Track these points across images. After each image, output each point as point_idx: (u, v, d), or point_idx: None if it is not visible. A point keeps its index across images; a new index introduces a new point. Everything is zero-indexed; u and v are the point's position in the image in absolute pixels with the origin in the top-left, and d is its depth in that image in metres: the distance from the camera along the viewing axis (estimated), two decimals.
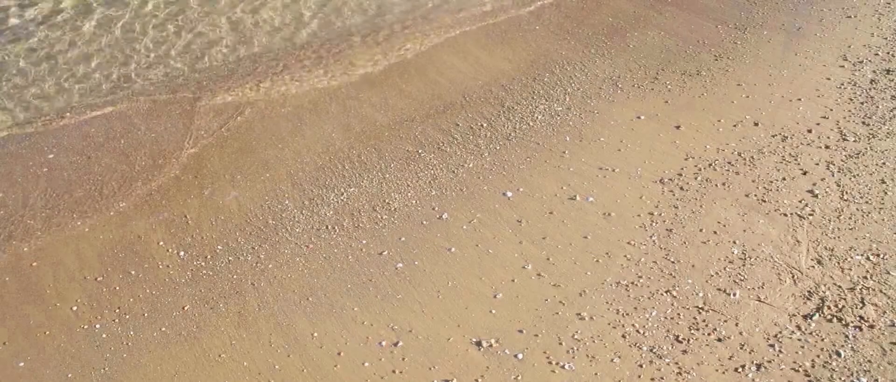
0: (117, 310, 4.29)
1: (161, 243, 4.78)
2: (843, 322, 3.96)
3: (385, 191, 5.15)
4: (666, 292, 4.22)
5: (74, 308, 4.33)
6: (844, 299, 4.10)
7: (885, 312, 4.01)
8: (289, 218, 4.94)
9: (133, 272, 4.57)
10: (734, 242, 4.56)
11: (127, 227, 4.93)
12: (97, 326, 4.19)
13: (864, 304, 4.06)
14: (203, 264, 4.60)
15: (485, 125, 5.80)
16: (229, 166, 5.47)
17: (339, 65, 6.79)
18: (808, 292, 4.17)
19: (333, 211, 4.99)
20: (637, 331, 3.97)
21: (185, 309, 4.29)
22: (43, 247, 4.82)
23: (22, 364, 4.01)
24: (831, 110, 5.81)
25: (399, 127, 5.83)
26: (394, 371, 3.80)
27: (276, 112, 6.11)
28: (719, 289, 4.22)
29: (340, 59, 6.89)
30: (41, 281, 4.54)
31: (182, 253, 4.68)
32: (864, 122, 5.63)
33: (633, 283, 4.28)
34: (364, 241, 4.73)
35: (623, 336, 3.95)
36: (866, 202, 4.83)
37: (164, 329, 4.16)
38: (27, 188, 5.37)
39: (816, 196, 4.91)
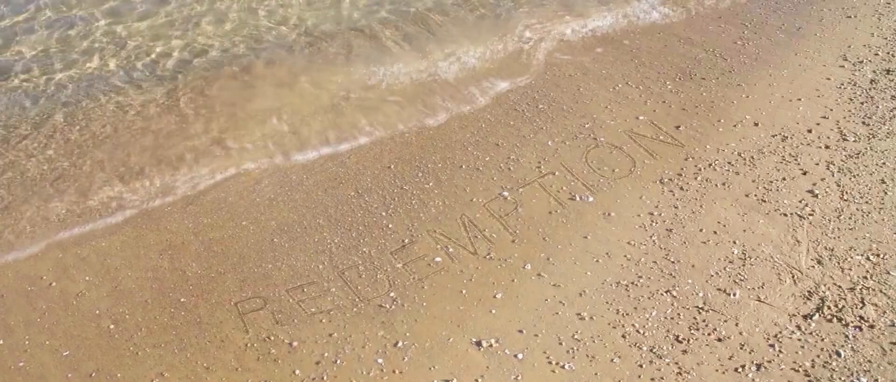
0: None
1: None
2: (843, 322, 3.96)
3: None
4: (666, 292, 4.22)
5: None
6: (844, 299, 4.10)
7: (885, 312, 4.01)
8: None
9: None
10: (734, 242, 4.56)
11: None
12: None
13: (864, 304, 4.06)
14: None
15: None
16: None
17: None
18: (808, 292, 4.17)
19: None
20: (637, 331, 3.97)
21: None
22: None
23: None
24: (831, 110, 5.81)
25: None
26: (394, 371, 3.80)
27: None
28: (719, 289, 4.22)
29: None
30: None
31: None
32: (864, 122, 5.63)
33: (633, 283, 4.28)
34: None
35: (623, 336, 3.95)
36: (866, 202, 4.83)
37: None
38: None
39: (816, 196, 4.91)
